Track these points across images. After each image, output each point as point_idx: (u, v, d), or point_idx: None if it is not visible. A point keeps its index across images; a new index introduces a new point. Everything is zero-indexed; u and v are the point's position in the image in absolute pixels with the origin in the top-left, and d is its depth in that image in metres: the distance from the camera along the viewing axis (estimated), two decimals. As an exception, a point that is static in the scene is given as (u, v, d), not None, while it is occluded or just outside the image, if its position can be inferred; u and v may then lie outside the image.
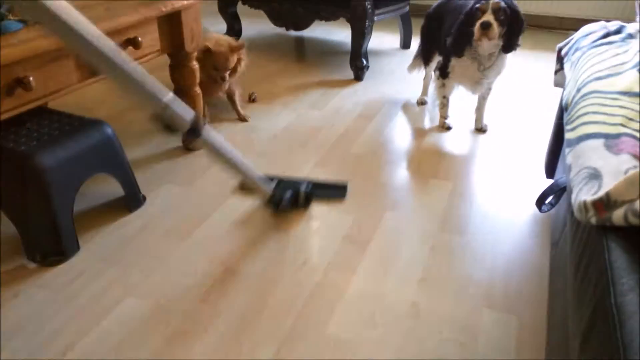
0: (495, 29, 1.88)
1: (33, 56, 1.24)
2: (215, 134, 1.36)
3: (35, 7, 0.92)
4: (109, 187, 1.73)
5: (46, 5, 0.92)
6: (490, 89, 2.18)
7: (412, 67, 2.55)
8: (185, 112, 1.20)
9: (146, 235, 1.55)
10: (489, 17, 1.88)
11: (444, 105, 2.24)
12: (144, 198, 1.70)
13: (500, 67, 2.07)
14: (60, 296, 1.32)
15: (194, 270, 1.42)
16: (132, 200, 1.66)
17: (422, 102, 2.47)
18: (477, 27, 1.89)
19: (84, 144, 1.45)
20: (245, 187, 1.69)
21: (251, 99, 2.46)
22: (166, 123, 1.19)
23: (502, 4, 1.90)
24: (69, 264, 1.43)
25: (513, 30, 1.95)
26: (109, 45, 1.03)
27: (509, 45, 1.98)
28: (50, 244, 1.42)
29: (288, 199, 1.62)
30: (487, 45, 1.95)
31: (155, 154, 1.98)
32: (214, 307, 1.29)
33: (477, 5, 1.91)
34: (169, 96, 1.16)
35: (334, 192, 1.78)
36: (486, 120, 2.24)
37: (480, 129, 2.22)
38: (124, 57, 1.06)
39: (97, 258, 1.45)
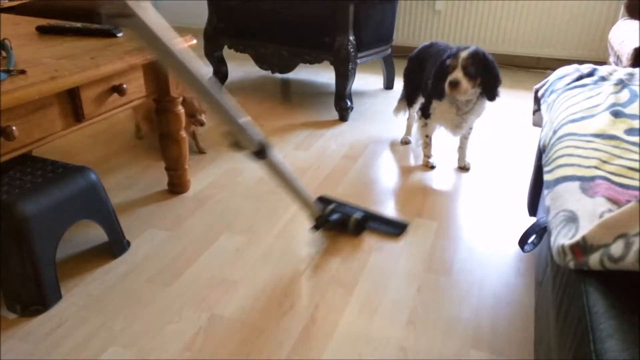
0: (464, 85, 1.94)
1: (17, 106, 1.25)
2: (278, 157, 1.48)
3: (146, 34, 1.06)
4: (93, 233, 1.72)
5: (153, 33, 1.07)
6: (471, 128, 2.22)
7: (397, 110, 2.60)
8: (254, 135, 1.36)
9: (130, 281, 1.53)
10: (457, 74, 1.94)
11: (427, 144, 2.27)
12: (129, 243, 1.69)
13: (479, 111, 2.13)
14: (41, 347, 1.29)
15: (179, 317, 1.40)
16: (116, 245, 1.64)
17: (406, 142, 2.51)
18: (446, 84, 1.96)
19: (68, 191, 1.45)
20: (319, 226, 1.73)
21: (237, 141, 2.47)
22: (236, 141, 1.36)
23: (472, 59, 1.95)
24: (51, 314, 1.40)
25: (489, 80, 2.00)
26: (199, 69, 1.18)
27: (487, 94, 2.04)
28: (31, 293, 1.40)
29: (333, 221, 1.72)
30: (463, 95, 2.00)
31: (140, 198, 1.98)
32: (199, 355, 1.27)
33: (447, 62, 1.97)
34: (244, 119, 1.32)
35: (390, 228, 1.81)
36: (469, 159, 2.28)
37: (463, 168, 2.25)
38: (212, 83, 1.23)
39: (79, 306, 1.43)
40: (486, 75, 1.99)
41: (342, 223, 1.74)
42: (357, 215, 1.74)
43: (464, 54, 1.95)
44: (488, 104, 2.12)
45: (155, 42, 1.08)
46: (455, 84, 1.93)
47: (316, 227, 1.70)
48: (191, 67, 1.16)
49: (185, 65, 1.14)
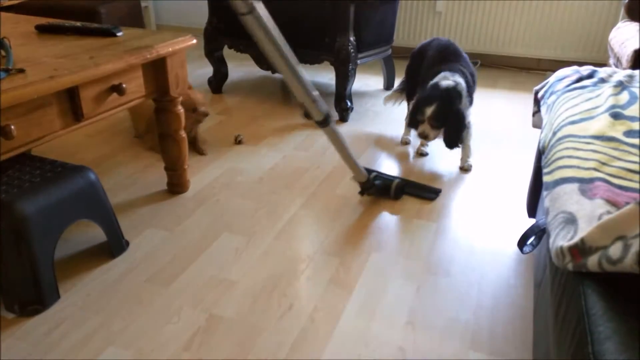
0: (432, 136, 2.15)
1: (15, 105, 1.25)
2: (337, 128, 1.72)
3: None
4: (92, 232, 1.72)
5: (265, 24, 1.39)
6: (469, 134, 2.23)
7: (388, 99, 2.69)
8: (323, 107, 1.62)
9: (129, 281, 1.53)
10: (424, 127, 2.13)
11: (422, 145, 2.39)
12: (127, 243, 1.69)
13: (465, 135, 2.22)
14: (39, 347, 1.29)
15: (177, 318, 1.39)
16: (115, 245, 1.64)
17: (406, 142, 2.51)
18: (417, 134, 2.18)
19: (67, 191, 1.45)
20: (364, 191, 2.00)
21: (237, 141, 2.48)
22: (306, 111, 1.66)
23: (437, 114, 2.08)
24: (49, 313, 1.40)
25: (450, 131, 2.14)
26: (291, 54, 1.50)
27: (448, 142, 2.16)
28: (30, 293, 1.39)
29: (378, 186, 1.97)
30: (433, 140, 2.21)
31: (139, 198, 1.98)
32: (197, 355, 1.27)
33: (417, 117, 2.14)
34: (316, 92, 1.59)
35: (425, 192, 2.04)
36: (471, 161, 2.28)
37: (463, 168, 2.25)
38: (296, 62, 1.51)
39: (78, 306, 1.43)
40: (449, 125, 2.12)
41: (384, 188, 1.97)
42: (398, 181, 1.98)
43: (428, 112, 2.09)
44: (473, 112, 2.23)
45: (267, 33, 1.43)
46: (424, 136, 2.15)
47: (363, 190, 1.96)
48: (287, 53, 1.48)
49: (283, 51, 1.47)
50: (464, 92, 2.12)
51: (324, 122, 1.65)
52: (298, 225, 1.82)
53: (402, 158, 2.37)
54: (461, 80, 2.12)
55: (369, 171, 1.99)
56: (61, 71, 1.35)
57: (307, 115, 1.72)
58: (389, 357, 1.28)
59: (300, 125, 2.71)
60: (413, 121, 2.18)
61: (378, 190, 1.98)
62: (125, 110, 1.70)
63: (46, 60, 1.44)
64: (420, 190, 2.04)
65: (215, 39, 3.09)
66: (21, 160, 1.54)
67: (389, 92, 2.71)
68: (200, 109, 2.23)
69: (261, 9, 1.39)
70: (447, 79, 2.12)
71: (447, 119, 2.09)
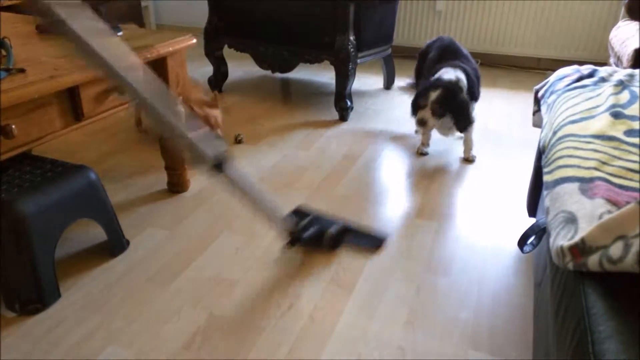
0: (431, 124, 2.13)
1: (16, 105, 1.25)
2: (238, 170, 1.37)
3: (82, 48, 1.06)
4: (92, 232, 1.72)
5: (90, 45, 1.06)
6: (472, 127, 2.25)
7: (403, 89, 2.81)
8: (209, 149, 1.24)
9: (129, 280, 1.53)
10: (425, 113, 2.11)
11: (422, 134, 2.40)
12: (128, 242, 1.69)
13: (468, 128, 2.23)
14: (40, 346, 1.29)
15: (178, 317, 1.39)
16: (115, 245, 1.64)
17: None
18: (415, 120, 2.15)
19: (67, 190, 1.45)
20: (294, 242, 1.64)
21: (237, 141, 2.48)
22: (194, 157, 1.25)
23: (441, 100, 2.08)
24: (49, 312, 1.40)
25: (458, 118, 2.15)
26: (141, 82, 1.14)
27: (458, 125, 2.17)
28: (30, 292, 1.40)
29: (309, 237, 1.61)
30: (435, 128, 2.20)
31: (139, 197, 1.98)
32: (197, 355, 1.27)
33: (419, 101, 2.14)
34: (199, 131, 1.20)
35: (367, 241, 1.71)
36: (475, 152, 2.34)
37: (467, 159, 2.31)
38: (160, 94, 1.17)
39: (78, 305, 1.43)
40: (455, 113, 2.13)
41: (317, 238, 1.63)
42: (333, 229, 1.64)
43: (433, 96, 2.08)
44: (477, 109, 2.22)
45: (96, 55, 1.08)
46: (422, 122, 2.12)
47: (291, 243, 1.61)
48: (131, 79, 1.11)
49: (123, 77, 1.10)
50: (465, 88, 2.16)
51: (216, 169, 1.27)
52: (298, 225, 1.82)
53: (402, 158, 2.37)
54: (462, 77, 2.15)
55: (305, 214, 1.67)
56: (61, 71, 1.35)
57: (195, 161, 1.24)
58: (388, 356, 1.28)
59: (300, 124, 2.71)
60: (414, 107, 2.17)
61: (309, 241, 1.63)
62: (125, 109, 1.70)
63: (47, 60, 1.44)
64: (361, 239, 1.72)
65: (215, 38, 3.08)
66: (22, 159, 1.54)
67: (404, 84, 2.78)
68: (218, 124, 2.12)
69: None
70: (448, 74, 2.16)
71: (451, 108, 2.10)
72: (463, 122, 2.16)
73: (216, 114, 2.15)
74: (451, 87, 2.10)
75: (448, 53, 2.30)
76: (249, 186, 1.40)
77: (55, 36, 1.05)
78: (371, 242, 1.71)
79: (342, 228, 1.66)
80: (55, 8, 0.98)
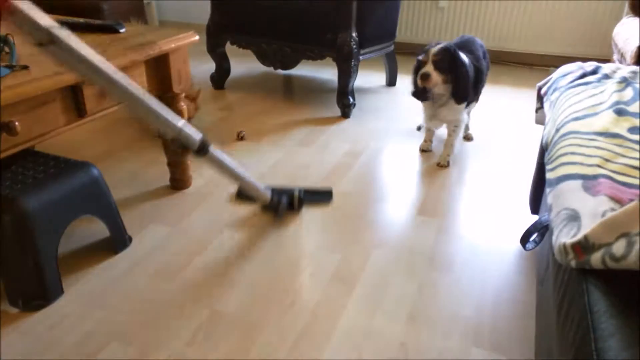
0: (435, 78, 2.04)
1: (19, 101, 1.25)
2: (219, 151, 1.51)
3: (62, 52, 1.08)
4: (95, 228, 1.72)
5: (73, 49, 1.09)
6: (456, 126, 2.23)
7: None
8: (194, 134, 1.40)
9: (131, 277, 1.54)
10: (428, 68, 2.04)
11: (426, 130, 2.39)
12: (130, 239, 1.69)
13: (454, 108, 2.16)
14: (42, 342, 1.29)
15: (180, 313, 1.40)
16: (117, 241, 1.65)
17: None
18: (418, 77, 2.06)
19: (70, 186, 1.45)
20: (241, 196, 1.92)
21: (239, 137, 2.48)
22: (182, 144, 1.39)
23: (442, 54, 2.03)
24: (52, 309, 1.41)
25: (456, 80, 2.08)
26: (129, 82, 1.21)
27: (455, 94, 2.11)
28: (33, 288, 1.40)
29: (285, 204, 1.82)
30: (436, 89, 2.10)
31: (142, 194, 1.98)
32: (199, 351, 1.28)
33: (420, 58, 2.08)
34: (181, 122, 1.36)
35: (321, 197, 1.98)
36: (455, 157, 2.31)
37: (439, 164, 2.27)
38: (142, 92, 1.25)
39: (81, 302, 1.43)
40: (455, 74, 2.06)
41: (289, 203, 1.85)
42: (297, 193, 1.86)
43: (434, 50, 2.04)
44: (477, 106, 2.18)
45: (82, 62, 1.12)
46: (425, 76, 2.03)
47: (275, 212, 1.82)
48: (120, 81, 1.19)
49: (114, 79, 1.17)
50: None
51: (201, 150, 1.42)
52: (300, 222, 1.82)
53: (404, 155, 2.37)
54: (467, 59, 2.10)
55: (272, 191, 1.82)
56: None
57: (180, 147, 1.39)
58: (390, 353, 1.28)
59: (302, 121, 2.71)
60: (417, 66, 2.09)
61: (285, 206, 1.83)
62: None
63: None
64: (316, 197, 1.97)
65: (217, 35, 3.08)
66: (25, 156, 1.54)
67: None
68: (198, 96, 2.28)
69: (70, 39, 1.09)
70: None
71: (451, 66, 2.04)
72: (461, 90, 2.08)
73: (190, 106, 2.29)
74: (453, 48, 2.05)
75: (460, 47, 2.25)
76: (233, 165, 1.56)
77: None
78: (324, 197, 1.98)
79: (301, 191, 1.89)
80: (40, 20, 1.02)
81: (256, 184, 1.68)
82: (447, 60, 2.03)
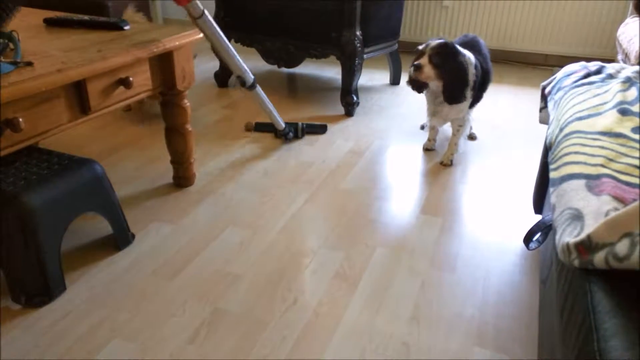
0: (428, 71, 2.01)
1: (23, 98, 1.26)
2: (260, 89, 2.20)
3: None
4: (98, 225, 1.73)
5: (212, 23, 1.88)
6: (460, 126, 2.22)
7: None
8: (250, 75, 2.16)
9: (134, 274, 1.54)
10: (423, 60, 2.02)
11: (429, 128, 2.38)
12: (133, 236, 1.70)
13: (456, 109, 2.14)
14: (45, 338, 1.30)
15: (182, 311, 1.40)
16: (120, 238, 1.65)
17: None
18: (411, 68, 2.04)
19: (73, 183, 1.46)
20: (249, 128, 2.58)
21: (248, 129, 2.51)
22: (242, 80, 2.14)
23: (440, 49, 2.01)
24: (55, 305, 1.41)
25: (449, 78, 2.04)
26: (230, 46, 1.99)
27: (444, 93, 2.07)
28: (36, 284, 1.40)
29: (294, 132, 2.47)
30: (431, 83, 2.10)
31: (144, 191, 1.99)
32: (202, 349, 1.28)
33: (419, 48, 2.08)
34: (245, 66, 2.11)
35: (319, 129, 2.57)
36: (457, 156, 2.30)
37: (441, 163, 2.26)
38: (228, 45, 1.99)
39: (83, 298, 1.44)
40: (449, 74, 2.03)
41: (296, 133, 2.50)
42: (301, 126, 2.51)
43: (433, 43, 2.03)
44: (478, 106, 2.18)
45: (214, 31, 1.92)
46: (417, 67, 2.02)
47: (286, 136, 2.45)
48: (224, 39, 1.98)
49: (224, 40, 1.98)
50: (472, 67, 2.07)
51: (252, 86, 2.16)
52: (303, 220, 1.83)
53: (407, 153, 2.37)
54: (473, 60, 2.07)
55: (266, 125, 2.53)
56: (69, 64, 1.35)
57: (242, 83, 2.14)
58: (393, 352, 1.28)
59: (306, 119, 2.70)
60: (415, 57, 2.08)
61: (293, 134, 2.47)
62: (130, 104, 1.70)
63: (54, 54, 1.45)
64: (315, 129, 2.56)
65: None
66: (29, 152, 1.55)
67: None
68: None
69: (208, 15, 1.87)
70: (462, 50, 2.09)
71: (447, 64, 2.01)
72: (453, 90, 2.04)
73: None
74: (453, 46, 2.02)
75: (467, 46, 2.23)
76: (267, 101, 2.29)
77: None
78: (320, 129, 2.58)
79: (304, 124, 2.53)
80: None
81: (278, 118, 2.36)
82: (443, 56, 2.00)
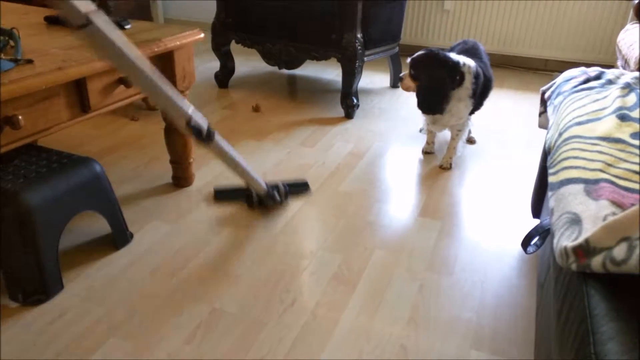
0: (407, 82, 2.12)
1: (23, 95, 1.26)
2: (224, 141, 1.57)
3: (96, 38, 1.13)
4: (96, 224, 1.73)
5: (107, 36, 1.13)
6: (459, 130, 2.22)
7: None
8: (202, 121, 1.46)
9: (132, 273, 1.54)
10: (405, 71, 2.11)
11: (427, 132, 2.40)
12: (131, 235, 1.70)
13: (455, 116, 2.14)
14: (42, 337, 1.30)
15: (180, 311, 1.40)
16: (119, 237, 1.65)
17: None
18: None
19: (72, 182, 1.46)
20: (220, 195, 1.98)
21: (255, 109, 2.67)
22: (193, 131, 1.45)
23: (419, 63, 2.05)
24: (52, 303, 1.41)
25: (425, 90, 2.08)
26: (149, 68, 1.26)
27: (418, 103, 2.11)
28: (34, 283, 1.40)
29: (278, 196, 1.90)
30: (407, 90, 2.18)
31: (143, 191, 1.99)
32: (198, 349, 1.28)
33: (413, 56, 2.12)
34: (191, 108, 1.42)
35: (300, 189, 2.05)
36: (455, 160, 2.30)
37: (441, 166, 2.27)
38: (161, 80, 1.31)
39: (81, 297, 1.44)
40: (424, 84, 2.07)
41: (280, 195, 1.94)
42: (282, 187, 1.93)
43: (416, 54, 2.07)
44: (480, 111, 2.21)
45: (111, 47, 1.16)
46: (400, 79, 2.14)
47: (280, 201, 1.91)
48: (145, 69, 1.25)
49: (138, 67, 1.23)
50: (472, 73, 2.05)
51: (207, 138, 1.46)
52: (302, 221, 1.83)
53: (407, 156, 2.37)
54: (472, 65, 2.06)
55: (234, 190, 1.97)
56: (69, 62, 1.35)
57: (192, 133, 1.45)
58: (390, 354, 1.28)
59: (306, 121, 2.71)
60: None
61: (278, 199, 1.91)
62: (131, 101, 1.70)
63: (55, 52, 1.45)
64: (297, 188, 2.05)
65: (222, 33, 3.09)
66: (28, 150, 1.55)
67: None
68: None
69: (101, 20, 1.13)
70: (460, 57, 2.08)
71: (425, 75, 2.03)
72: (426, 101, 2.04)
73: None
74: (435, 56, 2.00)
75: (468, 53, 2.22)
76: (235, 155, 1.63)
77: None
78: (303, 189, 2.06)
79: (286, 185, 1.96)
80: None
81: (255, 176, 1.75)
82: (422, 67, 2.04)
